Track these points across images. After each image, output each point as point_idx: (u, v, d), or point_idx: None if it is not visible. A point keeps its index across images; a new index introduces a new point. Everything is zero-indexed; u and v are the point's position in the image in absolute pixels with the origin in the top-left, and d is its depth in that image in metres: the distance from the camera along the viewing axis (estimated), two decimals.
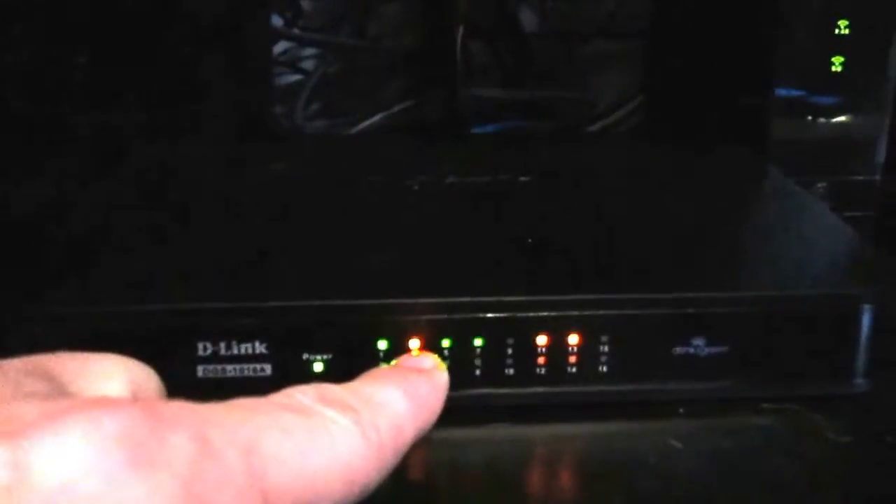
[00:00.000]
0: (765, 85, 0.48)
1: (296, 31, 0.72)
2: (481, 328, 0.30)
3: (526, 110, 0.72)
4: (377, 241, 0.36)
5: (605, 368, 0.31)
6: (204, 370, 0.30)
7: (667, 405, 0.32)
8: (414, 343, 0.30)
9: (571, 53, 0.73)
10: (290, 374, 0.29)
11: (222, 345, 0.29)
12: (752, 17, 0.51)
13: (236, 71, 0.62)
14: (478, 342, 0.31)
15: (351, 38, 0.73)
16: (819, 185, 0.49)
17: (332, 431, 0.20)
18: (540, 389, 0.31)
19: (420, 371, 0.24)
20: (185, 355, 0.29)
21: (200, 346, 0.29)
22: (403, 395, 0.22)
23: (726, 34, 0.55)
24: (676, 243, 0.36)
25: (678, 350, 0.31)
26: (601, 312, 0.31)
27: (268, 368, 0.30)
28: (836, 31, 0.47)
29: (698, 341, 0.31)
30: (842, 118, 0.48)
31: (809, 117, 0.48)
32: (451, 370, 0.30)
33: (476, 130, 0.69)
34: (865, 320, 0.32)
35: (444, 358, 0.30)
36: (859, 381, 0.32)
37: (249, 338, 0.30)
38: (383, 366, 0.26)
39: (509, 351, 0.31)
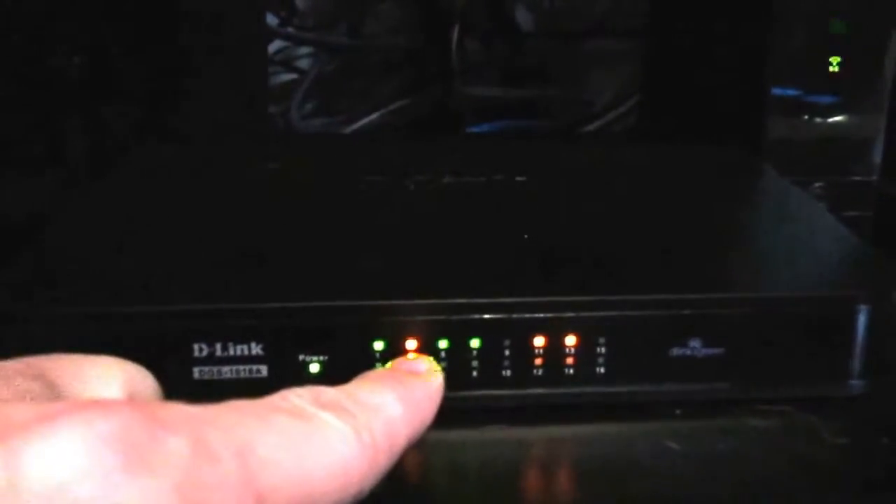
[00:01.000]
0: (761, 85, 0.48)
1: (290, 30, 0.72)
2: (478, 329, 0.30)
3: (522, 109, 0.72)
4: (373, 242, 0.36)
5: (602, 370, 0.31)
6: (200, 372, 0.29)
7: (663, 406, 0.32)
8: (411, 344, 0.30)
9: (567, 52, 0.73)
10: (287, 375, 0.29)
11: (218, 346, 0.29)
12: (748, 16, 0.51)
13: (231, 70, 0.61)
14: (475, 343, 0.30)
15: (346, 37, 0.73)
16: (816, 185, 0.49)
17: (326, 434, 0.20)
18: (537, 391, 0.31)
19: (415, 374, 0.24)
20: (182, 357, 0.29)
21: (196, 347, 0.29)
22: (398, 398, 0.22)
23: (722, 33, 0.55)
24: (672, 244, 0.36)
25: (675, 351, 0.31)
26: (598, 314, 0.31)
27: (264, 370, 0.30)
28: (832, 30, 0.47)
29: (695, 343, 0.31)
30: (839, 118, 0.49)
31: (806, 117, 0.48)
32: (447, 371, 0.30)
33: (472, 129, 0.69)
34: (862, 321, 0.32)
35: (440, 359, 0.30)
36: (856, 382, 0.32)
37: (245, 339, 0.29)
38: (379, 368, 0.26)
39: (506, 352, 0.31)
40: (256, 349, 0.30)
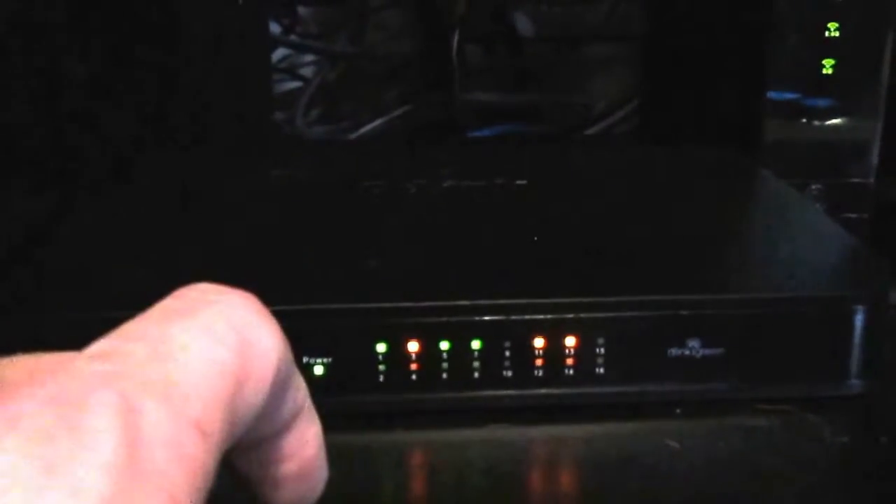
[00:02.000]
0: (758, 88, 0.49)
1: (294, 38, 0.73)
2: (479, 331, 0.31)
3: (522, 114, 0.72)
4: (375, 245, 0.36)
5: (601, 370, 0.31)
6: None
7: (663, 406, 0.32)
8: (412, 346, 0.31)
9: (567, 57, 0.74)
10: None
11: None
12: (744, 20, 0.51)
13: (236, 78, 0.62)
14: (475, 345, 0.31)
15: (348, 44, 0.73)
16: (813, 187, 0.49)
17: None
18: (537, 391, 0.31)
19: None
20: None
21: None
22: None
23: (720, 38, 0.55)
24: (671, 245, 0.37)
25: (674, 351, 0.31)
26: (598, 314, 0.31)
27: None
28: (828, 33, 0.47)
29: (694, 343, 0.31)
30: (835, 121, 0.49)
31: (803, 120, 0.49)
32: (449, 372, 0.31)
33: (473, 134, 0.69)
34: (860, 322, 0.32)
35: (442, 360, 0.31)
36: (854, 382, 0.32)
37: None
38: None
39: (507, 353, 0.31)
40: None
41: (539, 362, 0.31)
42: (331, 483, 0.21)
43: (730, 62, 0.53)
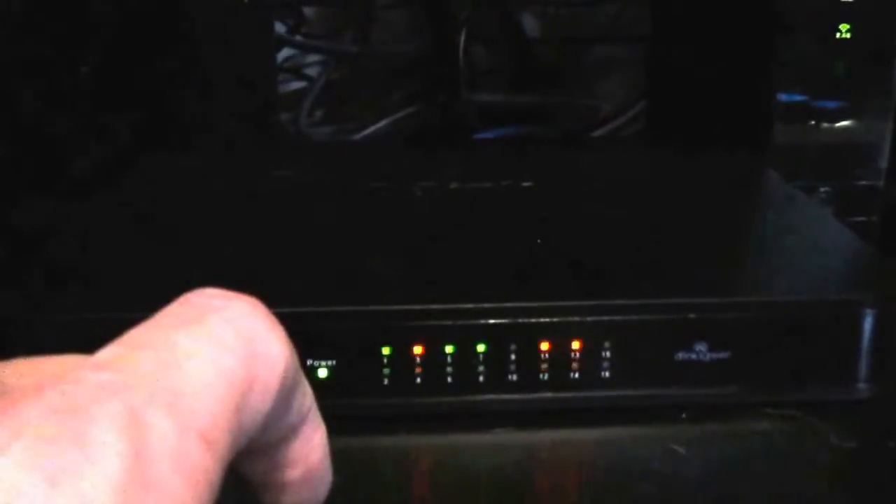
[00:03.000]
0: (767, 90, 0.48)
1: (299, 38, 0.73)
2: (485, 334, 0.31)
3: (528, 116, 0.72)
4: (381, 248, 0.36)
5: (607, 374, 0.31)
6: None
7: (670, 410, 0.32)
8: (417, 349, 0.30)
9: (574, 59, 0.73)
10: None
11: None
12: (753, 21, 0.51)
13: (241, 78, 0.62)
14: (481, 348, 0.31)
15: (354, 44, 0.73)
16: (822, 190, 0.49)
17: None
18: (543, 395, 0.31)
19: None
20: None
21: None
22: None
23: (728, 39, 0.55)
24: (679, 249, 0.36)
25: (681, 355, 0.31)
26: (604, 318, 0.31)
27: None
28: (838, 35, 0.47)
29: (701, 347, 0.31)
30: (845, 123, 0.49)
31: (812, 122, 0.48)
32: (454, 376, 0.31)
33: (479, 136, 0.69)
34: (868, 325, 0.32)
35: (447, 364, 0.30)
36: (862, 386, 0.32)
37: None
38: None
39: (512, 357, 0.31)
40: None
41: (545, 366, 0.31)
42: (335, 487, 0.21)
43: (738, 63, 0.53)
